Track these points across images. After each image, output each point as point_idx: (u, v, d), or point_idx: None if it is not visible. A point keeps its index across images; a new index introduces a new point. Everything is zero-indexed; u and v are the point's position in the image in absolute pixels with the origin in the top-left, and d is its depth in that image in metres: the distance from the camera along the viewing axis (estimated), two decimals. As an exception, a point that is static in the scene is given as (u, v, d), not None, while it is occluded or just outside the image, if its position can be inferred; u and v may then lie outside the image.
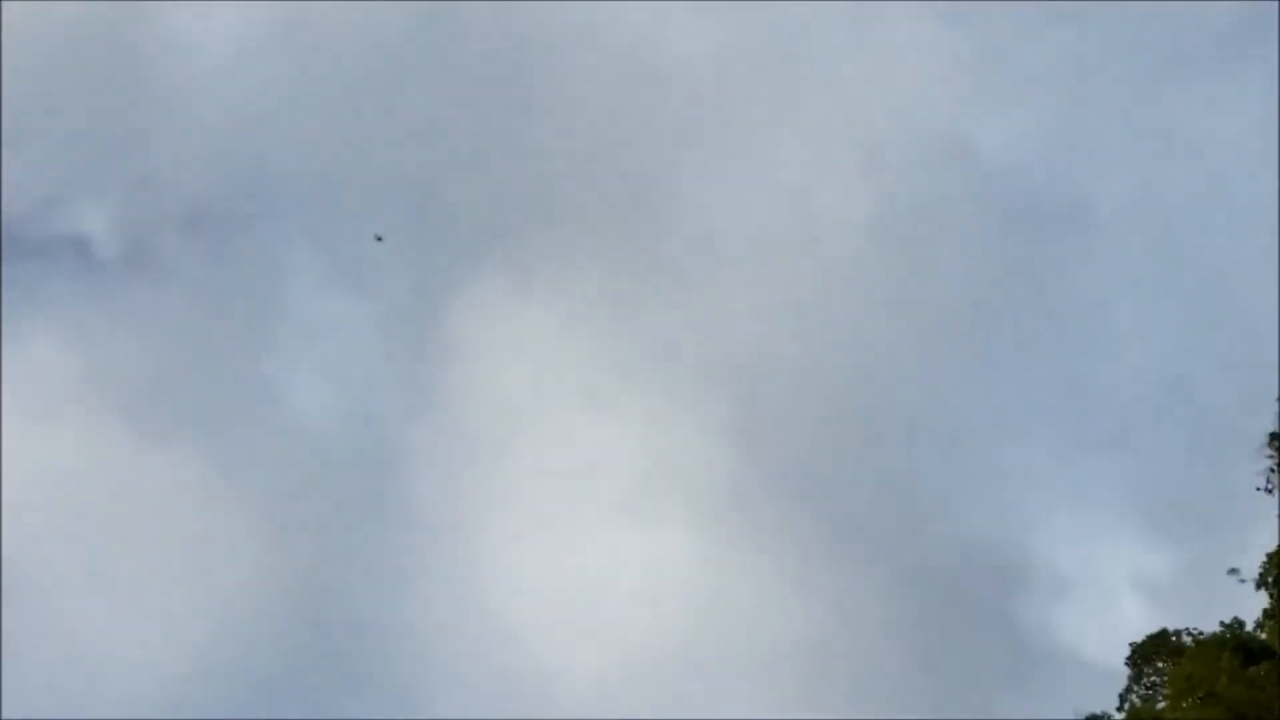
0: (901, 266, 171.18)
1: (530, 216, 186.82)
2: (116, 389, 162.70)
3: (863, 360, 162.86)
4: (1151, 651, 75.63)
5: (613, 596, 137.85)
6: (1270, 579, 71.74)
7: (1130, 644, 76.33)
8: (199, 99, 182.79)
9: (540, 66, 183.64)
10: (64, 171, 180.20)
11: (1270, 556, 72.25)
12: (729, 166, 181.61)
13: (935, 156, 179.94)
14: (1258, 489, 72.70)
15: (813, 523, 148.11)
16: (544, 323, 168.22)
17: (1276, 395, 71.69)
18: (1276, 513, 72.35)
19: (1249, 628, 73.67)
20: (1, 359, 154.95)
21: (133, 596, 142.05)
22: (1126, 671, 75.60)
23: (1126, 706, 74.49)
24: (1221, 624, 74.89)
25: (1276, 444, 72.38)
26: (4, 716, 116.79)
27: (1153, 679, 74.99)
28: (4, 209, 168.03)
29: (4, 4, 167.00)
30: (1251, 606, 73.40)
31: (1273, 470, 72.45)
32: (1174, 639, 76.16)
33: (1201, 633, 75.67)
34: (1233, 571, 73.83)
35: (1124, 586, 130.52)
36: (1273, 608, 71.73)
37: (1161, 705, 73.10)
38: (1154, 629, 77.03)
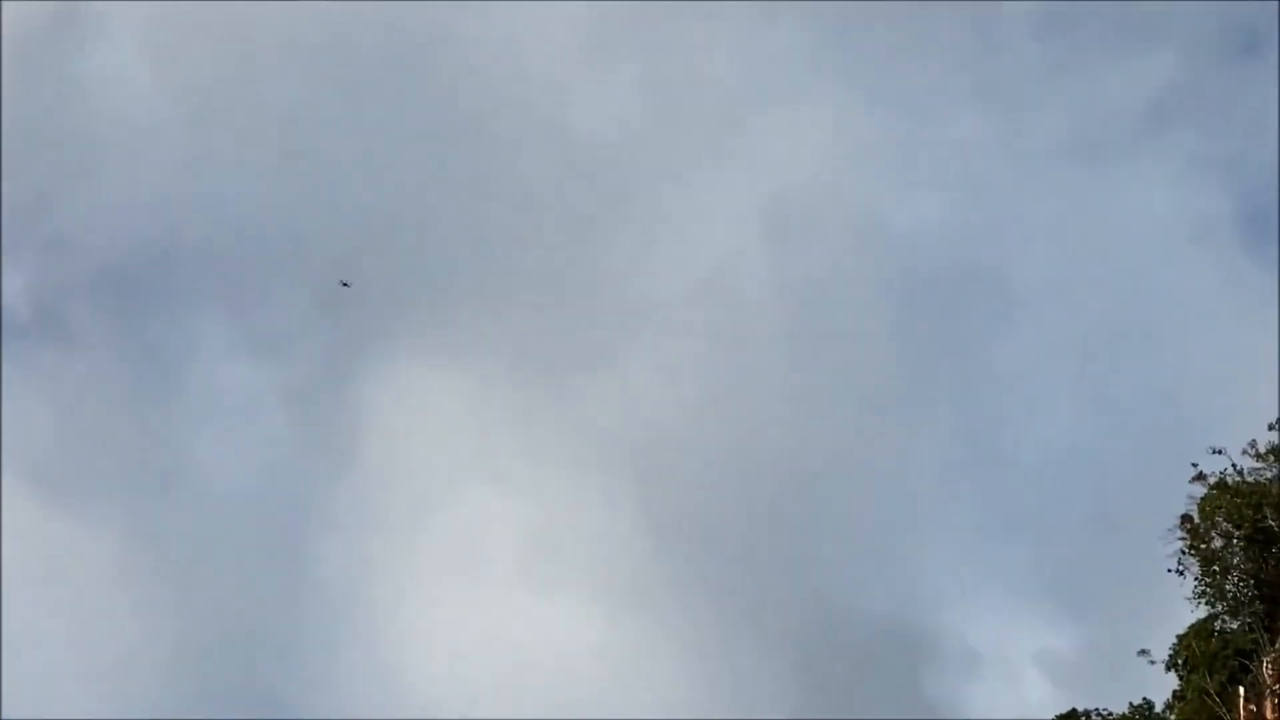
0: (813, 342, 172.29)
1: (442, 288, 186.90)
2: (23, 453, 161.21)
3: (771, 435, 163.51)
4: (1062, 731, 76.20)
5: (515, 662, 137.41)
6: (1180, 661, 72.37)
7: (1042, 724, 76.85)
8: (112, 164, 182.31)
9: (456, 140, 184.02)
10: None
11: (1180, 638, 72.90)
12: (643, 241, 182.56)
13: (850, 233, 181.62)
14: (1169, 570, 73.43)
15: (717, 597, 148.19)
16: (453, 393, 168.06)
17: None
18: (1187, 594, 73.13)
19: (1158, 709, 74.34)
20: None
21: (35, 661, 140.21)
22: (1037, 751, 76.04)
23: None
24: (1131, 705, 75.52)
25: (1188, 526, 73.18)
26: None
27: (1063, 758, 75.66)
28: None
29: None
30: (1161, 687, 74.12)
31: (1183, 552, 73.22)
32: (1084, 719, 76.75)
33: (1111, 713, 76.28)
34: (1143, 653, 74.47)
35: (1032, 664, 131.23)
36: (1183, 689, 72.34)
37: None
38: (1063, 708, 77.57)
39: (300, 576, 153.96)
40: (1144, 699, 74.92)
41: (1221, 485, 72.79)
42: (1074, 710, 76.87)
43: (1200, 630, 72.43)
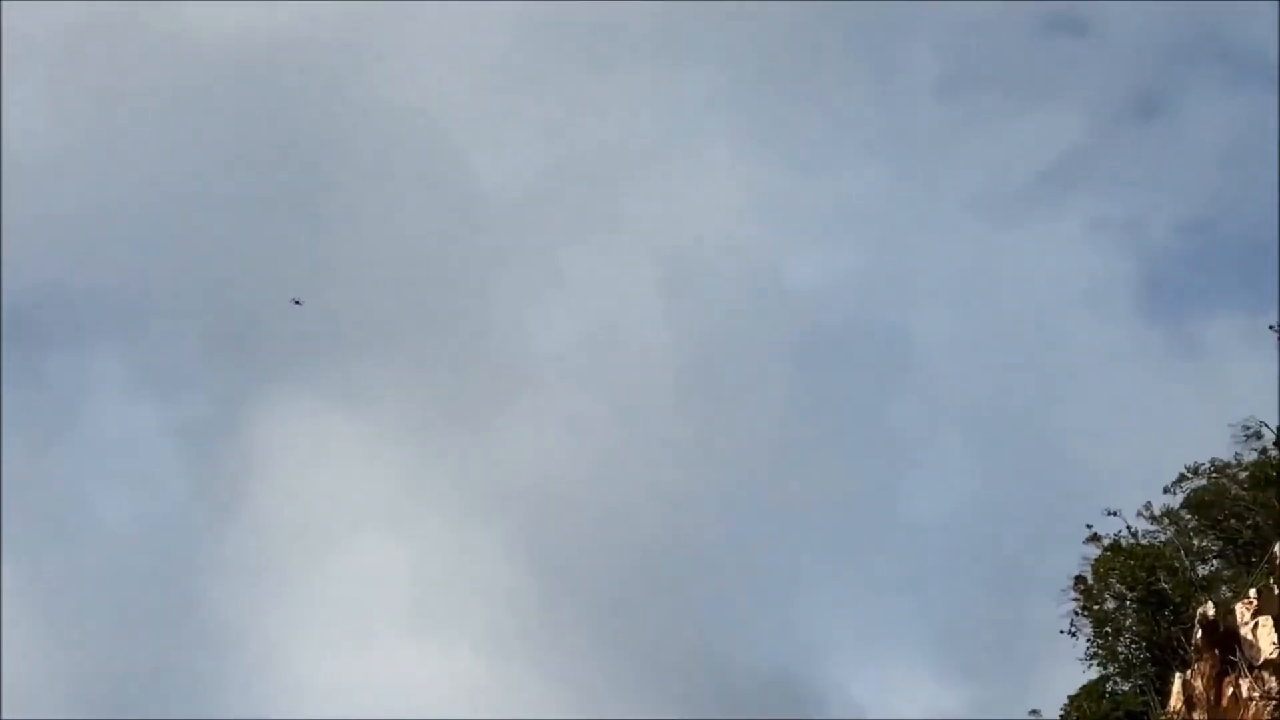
0: (706, 395, 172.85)
1: (337, 334, 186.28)
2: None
3: (661, 488, 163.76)
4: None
5: (400, 707, 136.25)
6: (1072, 720, 72.97)
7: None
8: (7, 206, 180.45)
9: (354, 190, 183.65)
10: None
11: (1071, 699, 73.41)
12: (541, 294, 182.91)
13: (747, 287, 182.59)
14: (1061, 631, 73.98)
15: (602, 646, 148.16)
16: (345, 439, 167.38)
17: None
18: (1079, 655, 73.66)
19: (1050, 768, 74.79)
20: None
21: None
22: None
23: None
24: (1021, 764, 76.00)
25: (1081, 587, 73.78)
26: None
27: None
28: None
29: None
30: (1053, 747, 74.56)
31: (1076, 613, 73.78)
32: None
33: (1000, 771, 76.75)
34: (1034, 713, 74.99)
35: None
36: (1074, 750, 72.89)
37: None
38: (953, 766, 78.02)
39: (187, 619, 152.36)
40: (1035, 759, 75.42)
41: (1115, 547, 73.47)
42: (964, 768, 77.28)
43: (1091, 691, 72.96)
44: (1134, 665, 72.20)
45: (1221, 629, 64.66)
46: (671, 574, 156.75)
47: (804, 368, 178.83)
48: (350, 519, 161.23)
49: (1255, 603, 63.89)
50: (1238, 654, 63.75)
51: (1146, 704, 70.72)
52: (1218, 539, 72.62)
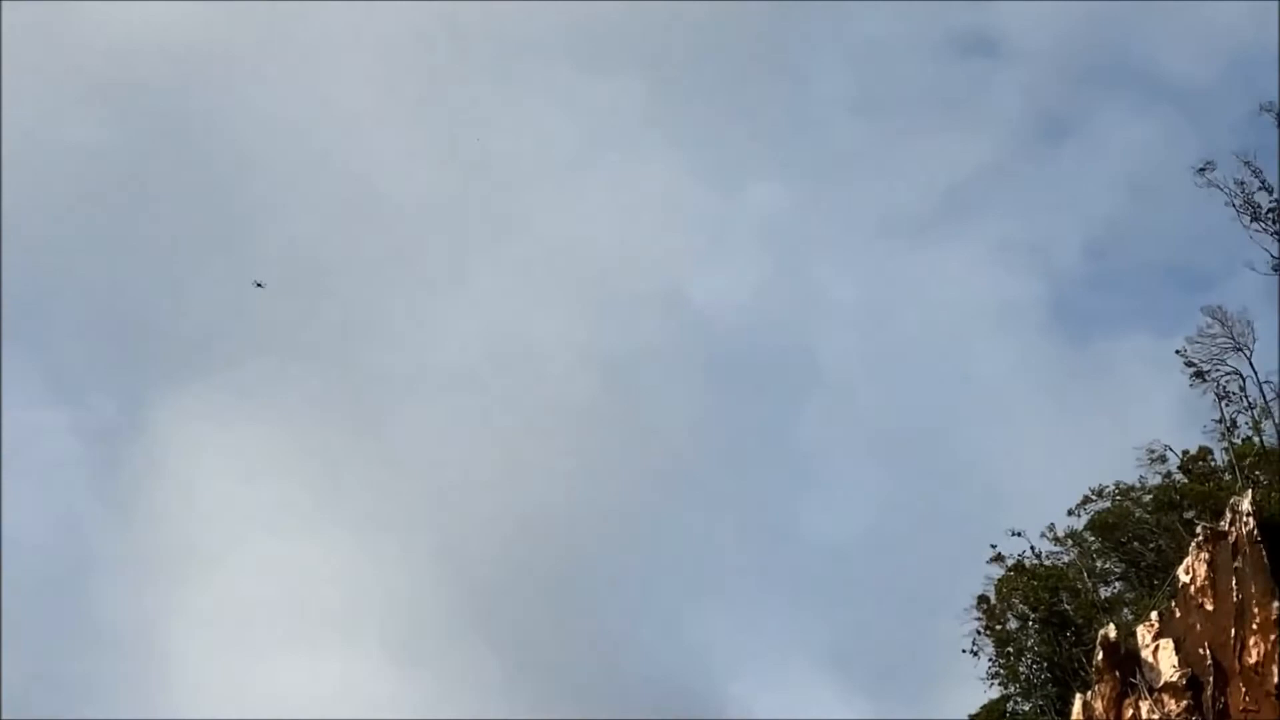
0: (613, 408, 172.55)
1: (240, 338, 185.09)
2: None
3: (568, 501, 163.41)
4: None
5: (300, 714, 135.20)
6: (973, 739, 73.18)
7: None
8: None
9: (257, 190, 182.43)
10: None
11: (972, 718, 73.69)
12: (445, 300, 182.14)
13: (655, 304, 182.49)
14: (964, 650, 74.24)
15: (506, 657, 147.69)
16: (248, 443, 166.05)
17: None
18: (981, 674, 73.91)
19: (948, 787, 75.02)
20: None
21: None
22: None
23: None
24: (921, 782, 76.24)
25: (984, 607, 74.07)
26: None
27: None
28: None
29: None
30: (953, 767, 74.76)
31: (979, 632, 74.05)
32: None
33: (900, 791, 76.97)
34: (936, 731, 75.25)
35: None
36: (974, 769, 73.13)
37: None
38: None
39: (82, 621, 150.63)
40: (935, 777, 75.67)
41: (1019, 567, 73.84)
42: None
43: (992, 710, 73.24)
44: (1035, 685, 72.51)
45: (1123, 651, 64.93)
46: (575, 585, 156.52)
47: (711, 383, 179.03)
48: (250, 523, 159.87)
49: (1157, 626, 64.19)
50: (1138, 676, 64.00)
51: (1047, 724, 71.20)
52: (1121, 561, 73.08)
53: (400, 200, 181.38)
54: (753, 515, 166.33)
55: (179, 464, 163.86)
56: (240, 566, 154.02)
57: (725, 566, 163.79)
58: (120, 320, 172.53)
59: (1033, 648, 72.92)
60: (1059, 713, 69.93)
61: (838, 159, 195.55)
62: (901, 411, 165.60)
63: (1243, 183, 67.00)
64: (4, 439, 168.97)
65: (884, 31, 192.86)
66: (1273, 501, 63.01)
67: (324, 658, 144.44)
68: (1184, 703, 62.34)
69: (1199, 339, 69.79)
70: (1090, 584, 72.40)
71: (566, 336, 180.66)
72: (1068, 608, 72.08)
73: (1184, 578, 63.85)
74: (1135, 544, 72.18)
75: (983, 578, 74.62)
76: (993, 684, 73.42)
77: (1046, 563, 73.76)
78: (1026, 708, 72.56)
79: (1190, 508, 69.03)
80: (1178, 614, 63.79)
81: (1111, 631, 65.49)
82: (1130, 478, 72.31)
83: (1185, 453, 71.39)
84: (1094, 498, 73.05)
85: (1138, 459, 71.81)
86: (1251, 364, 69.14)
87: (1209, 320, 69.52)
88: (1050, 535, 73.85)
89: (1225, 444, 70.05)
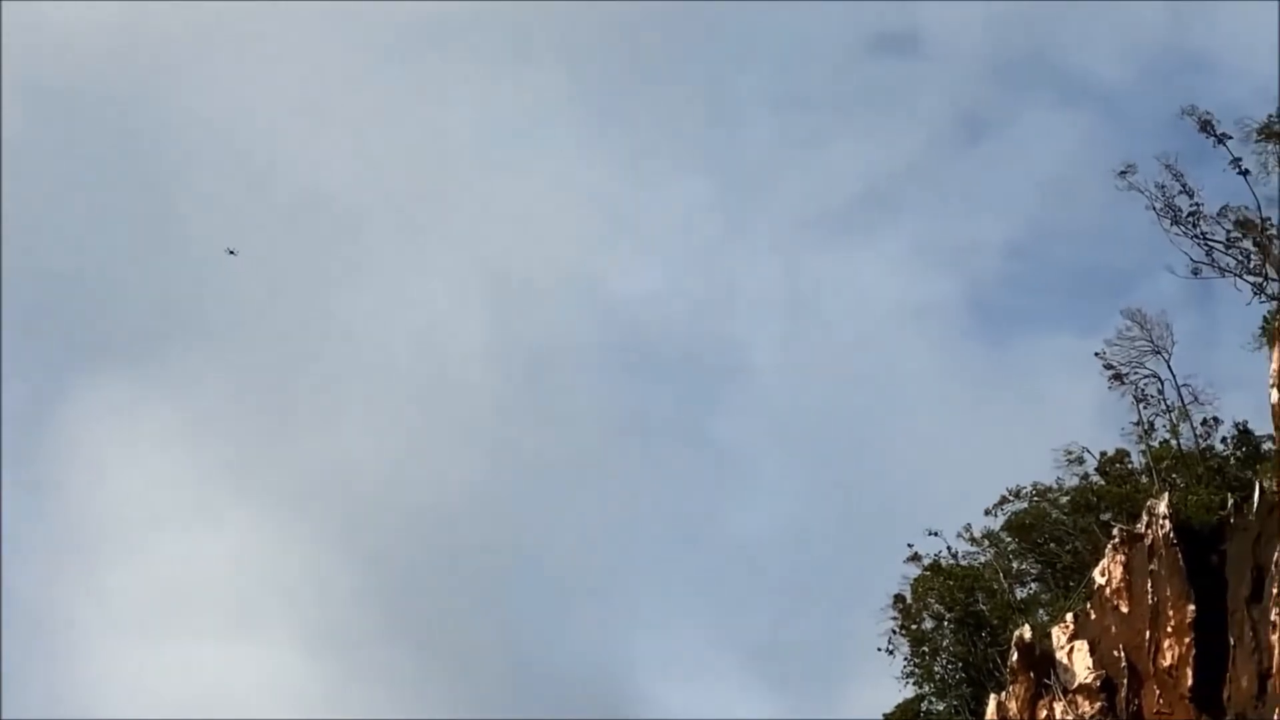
0: (530, 402, 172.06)
1: (157, 325, 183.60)
2: None
3: (483, 495, 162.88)
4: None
5: (212, 704, 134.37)
6: (886, 739, 73.18)
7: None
8: None
9: (175, 182, 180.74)
10: None
11: (886, 717, 73.71)
12: (362, 295, 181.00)
13: (573, 296, 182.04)
14: (879, 649, 74.28)
15: (419, 649, 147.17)
16: (165, 430, 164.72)
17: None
18: (896, 674, 73.96)
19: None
20: None
21: None
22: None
23: None
24: (834, 781, 76.24)
25: (900, 606, 74.11)
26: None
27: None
28: None
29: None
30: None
31: (894, 632, 74.09)
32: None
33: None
34: (848, 729, 75.24)
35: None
36: (887, 768, 73.14)
37: None
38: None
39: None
40: (848, 776, 75.69)
41: (935, 567, 73.90)
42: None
43: (906, 710, 73.25)
44: (950, 685, 72.60)
45: (1037, 652, 65.04)
46: (490, 579, 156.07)
47: (629, 376, 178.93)
48: (163, 512, 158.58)
49: (1072, 627, 64.38)
50: (1053, 678, 64.14)
51: (961, 724, 71.32)
52: (1037, 562, 73.26)
53: (315, 191, 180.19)
54: (670, 510, 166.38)
55: (92, 452, 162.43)
56: (152, 555, 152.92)
57: (641, 561, 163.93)
58: (37, 308, 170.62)
59: (948, 647, 73.01)
60: (973, 713, 70.04)
61: (758, 155, 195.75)
62: (820, 408, 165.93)
63: (1164, 186, 67.16)
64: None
65: (805, 29, 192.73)
66: (1189, 505, 63.30)
67: (233, 647, 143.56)
68: (1098, 704, 62.52)
69: (1118, 341, 70.03)
70: (1006, 585, 72.56)
71: (482, 328, 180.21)
72: (983, 608, 72.21)
73: (1100, 580, 64.06)
74: (1052, 545, 72.38)
75: (899, 577, 74.74)
76: (908, 683, 73.50)
77: (963, 563, 73.88)
78: (941, 707, 72.65)
79: (1107, 510, 69.28)
80: (1093, 616, 63.98)
81: (1026, 632, 65.58)
82: (1048, 479, 72.56)
83: (1103, 454, 71.62)
84: (1011, 498, 73.19)
85: (1055, 460, 72.07)
86: (1170, 367, 69.49)
87: (1128, 323, 69.80)
88: (967, 535, 74.01)
89: (1143, 447, 70.33)
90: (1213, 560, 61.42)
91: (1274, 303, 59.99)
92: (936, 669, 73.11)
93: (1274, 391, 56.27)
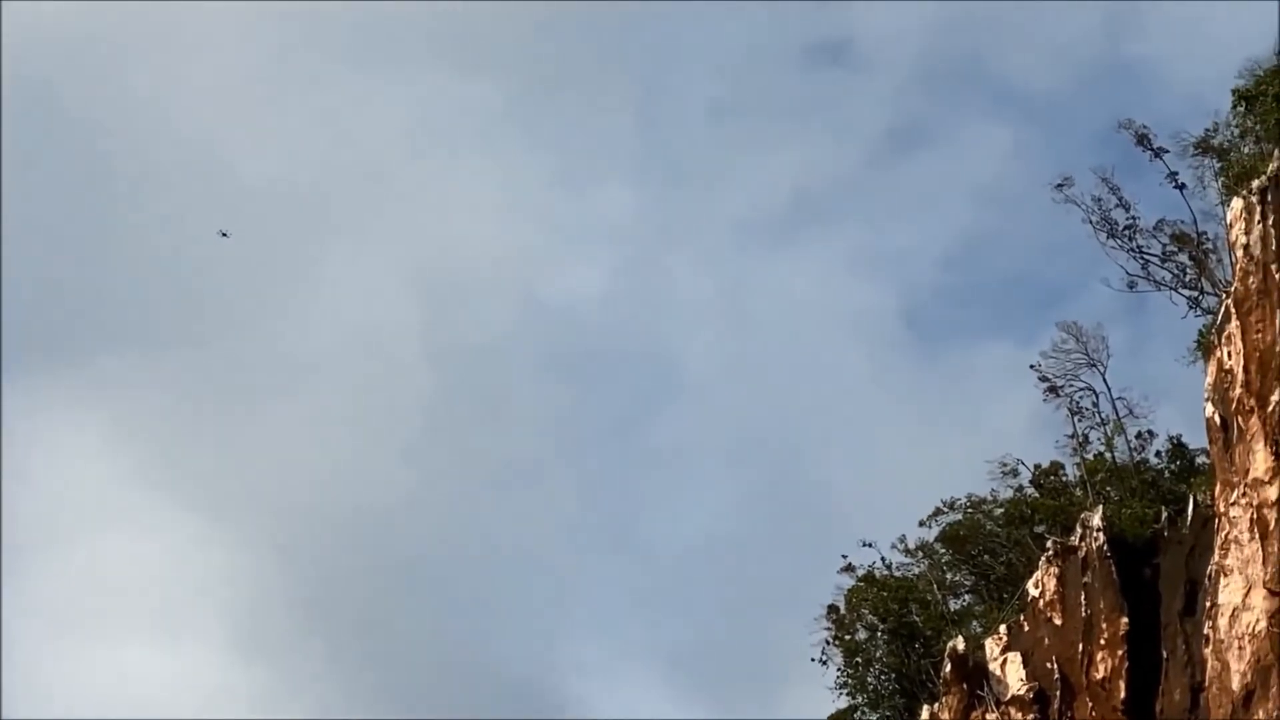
0: (463, 405, 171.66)
1: (86, 326, 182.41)
2: None
3: (413, 499, 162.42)
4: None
5: (136, 708, 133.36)
6: (821, 749, 73.07)
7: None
8: None
9: (107, 180, 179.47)
10: None
11: (820, 727, 73.74)
12: (297, 295, 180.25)
13: (507, 300, 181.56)
14: (812, 660, 74.16)
15: (347, 653, 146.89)
16: (91, 431, 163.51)
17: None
18: (829, 684, 73.86)
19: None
20: None
21: None
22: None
23: None
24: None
25: (834, 616, 74.03)
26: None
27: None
28: None
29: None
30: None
31: (828, 642, 73.98)
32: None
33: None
34: (781, 740, 75.12)
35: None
36: (819, 779, 73.03)
37: None
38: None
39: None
40: (779, 787, 75.60)
41: (869, 578, 73.81)
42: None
43: (839, 720, 73.37)
44: (883, 696, 72.54)
45: (971, 664, 65.22)
46: (421, 582, 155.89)
47: (561, 382, 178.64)
48: (92, 513, 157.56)
49: (1005, 639, 64.56)
50: (986, 689, 64.31)
51: (894, 735, 71.32)
52: (971, 574, 73.29)
53: (254, 192, 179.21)
54: (603, 515, 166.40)
55: (22, 452, 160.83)
56: (77, 557, 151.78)
57: (574, 565, 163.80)
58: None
59: (881, 658, 72.96)
60: (906, 724, 70.15)
61: (692, 163, 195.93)
62: (754, 416, 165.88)
63: (1100, 199, 67.35)
64: None
65: (740, 37, 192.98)
66: (1123, 518, 63.52)
67: (160, 649, 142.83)
68: (1030, 716, 62.70)
69: (1053, 354, 70.22)
70: (940, 596, 72.57)
71: (415, 332, 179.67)
72: (917, 619, 72.19)
73: (1033, 591, 64.23)
74: (985, 557, 72.44)
75: (833, 587, 74.64)
76: (841, 694, 73.36)
77: (897, 574, 73.82)
78: (874, 718, 72.62)
79: (1041, 522, 69.34)
80: (1026, 628, 64.15)
81: (960, 644, 65.71)
82: (982, 490, 72.57)
83: (1037, 467, 71.71)
84: (946, 510, 73.17)
85: (990, 472, 72.08)
86: (1105, 380, 69.73)
87: (1063, 335, 69.99)
88: (901, 546, 73.95)
89: (1077, 459, 70.47)
90: (1146, 573, 61.71)
91: (1209, 317, 60.13)
92: (870, 680, 73.05)
93: (1209, 405, 56.43)
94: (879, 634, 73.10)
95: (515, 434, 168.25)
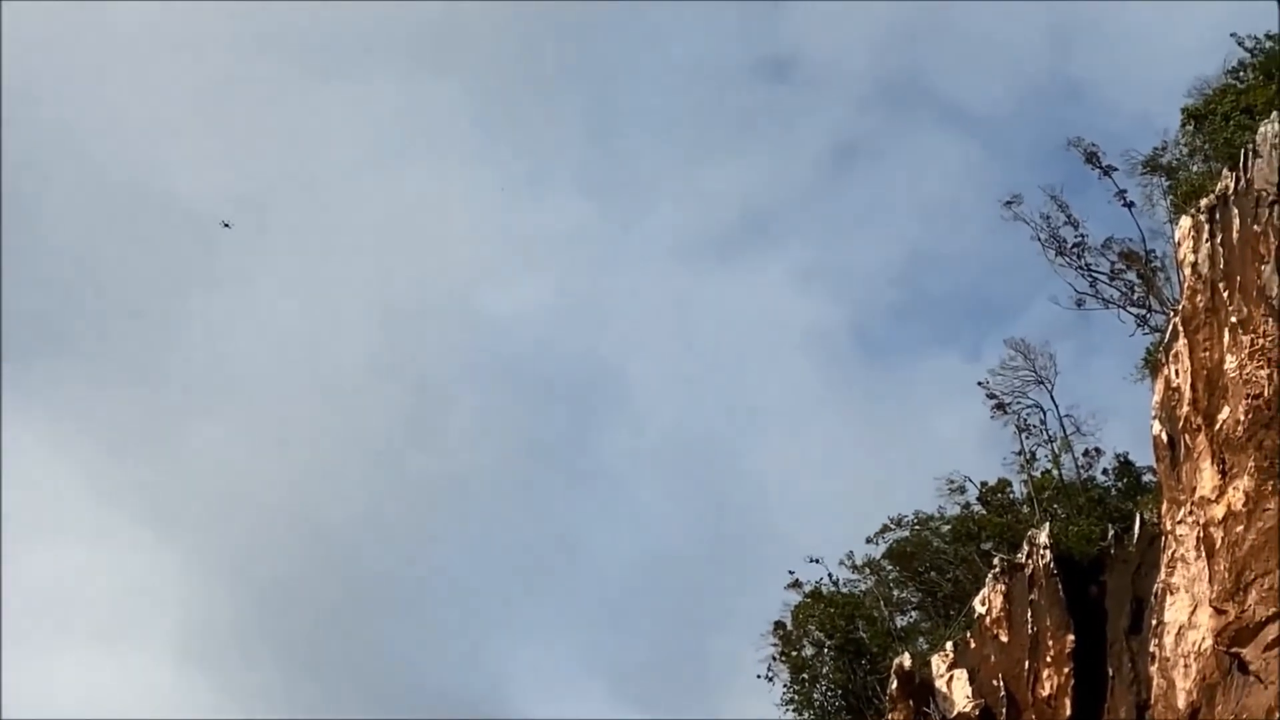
0: (406, 422, 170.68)
1: (28, 337, 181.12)
2: None
3: (355, 513, 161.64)
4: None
5: (78, 714, 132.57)
6: (764, 768, 72.94)
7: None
8: None
9: (50, 197, 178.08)
10: None
11: (765, 746, 73.57)
12: (239, 308, 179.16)
13: (448, 315, 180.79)
14: (758, 676, 74.06)
15: (289, 663, 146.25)
16: (40, 447, 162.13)
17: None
18: (775, 700, 73.76)
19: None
20: None
21: None
22: None
23: None
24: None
25: (780, 633, 73.95)
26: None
27: None
28: None
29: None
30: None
31: (774, 658, 73.91)
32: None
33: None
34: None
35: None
36: (764, 796, 72.90)
37: None
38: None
39: None
40: (724, 803, 75.45)
41: (816, 594, 73.79)
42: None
43: (785, 737, 73.22)
44: (829, 713, 72.45)
45: (917, 680, 65.18)
46: (367, 597, 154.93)
47: (510, 398, 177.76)
48: (36, 524, 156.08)
49: (951, 656, 64.52)
50: (932, 706, 64.29)
51: (839, 752, 71.22)
52: (917, 591, 73.31)
53: (195, 203, 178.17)
54: (548, 530, 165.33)
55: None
56: (26, 566, 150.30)
57: (518, 581, 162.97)
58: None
59: (828, 675, 72.89)
60: (853, 741, 70.08)
61: (641, 176, 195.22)
62: (700, 431, 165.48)
63: (1049, 217, 67.49)
64: None
65: (692, 52, 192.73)
66: (1070, 535, 63.55)
67: (102, 659, 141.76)
68: (976, 733, 62.74)
69: (1001, 371, 70.35)
70: (887, 612, 72.58)
71: (359, 344, 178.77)
72: (864, 636, 72.19)
73: (980, 609, 64.21)
74: (932, 574, 72.46)
75: (780, 603, 74.58)
76: (787, 710, 73.28)
77: (844, 590, 73.81)
78: (821, 735, 72.61)
79: (988, 539, 69.42)
80: (973, 645, 64.12)
81: (906, 660, 65.67)
82: (930, 507, 72.64)
83: (984, 484, 71.77)
84: (893, 526, 73.21)
85: (937, 489, 72.15)
86: (1053, 397, 69.84)
87: (1011, 352, 70.10)
88: (848, 563, 73.97)
89: (1024, 476, 70.58)
90: (1092, 591, 61.72)
91: (1157, 335, 60.26)
92: (816, 696, 72.97)
93: (1156, 423, 56.50)
94: (826, 650, 73.06)
95: (461, 449, 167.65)
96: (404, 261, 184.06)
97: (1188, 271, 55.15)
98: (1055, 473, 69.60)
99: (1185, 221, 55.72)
